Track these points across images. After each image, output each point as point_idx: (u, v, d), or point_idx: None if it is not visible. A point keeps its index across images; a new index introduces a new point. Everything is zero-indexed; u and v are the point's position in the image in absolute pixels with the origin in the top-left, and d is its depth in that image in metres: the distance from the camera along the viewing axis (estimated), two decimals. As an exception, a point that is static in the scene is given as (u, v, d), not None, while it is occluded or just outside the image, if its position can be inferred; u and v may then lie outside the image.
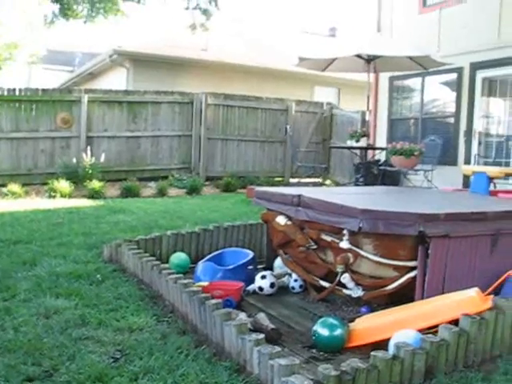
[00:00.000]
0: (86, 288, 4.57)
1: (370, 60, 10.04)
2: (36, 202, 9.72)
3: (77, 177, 11.43)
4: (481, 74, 10.78)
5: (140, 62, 16.87)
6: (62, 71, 27.80)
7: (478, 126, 10.93)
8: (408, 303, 3.80)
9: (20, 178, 11.43)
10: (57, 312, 3.94)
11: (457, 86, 11.25)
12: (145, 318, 3.89)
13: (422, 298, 3.78)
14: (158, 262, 4.70)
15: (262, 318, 3.72)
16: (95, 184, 10.84)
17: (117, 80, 17.60)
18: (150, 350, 3.32)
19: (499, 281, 4.02)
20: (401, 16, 12.58)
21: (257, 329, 3.49)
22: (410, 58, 9.90)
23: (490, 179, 6.85)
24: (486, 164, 10.24)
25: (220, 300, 3.70)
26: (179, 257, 5.31)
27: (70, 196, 10.55)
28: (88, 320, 3.83)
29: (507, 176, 8.35)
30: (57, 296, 4.30)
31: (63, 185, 10.65)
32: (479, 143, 10.89)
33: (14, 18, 20.16)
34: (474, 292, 3.55)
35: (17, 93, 11.99)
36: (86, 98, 12.48)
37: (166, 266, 4.74)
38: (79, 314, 3.91)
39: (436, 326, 3.26)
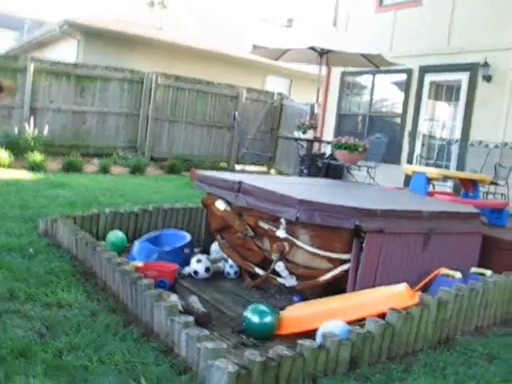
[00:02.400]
0: (17, 261, 4.46)
1: (323, 53, 10.09)
2: (-28, 171, 9.41)
3: (18, 148, 11.08)
4: (429, 78, 11.00)
5: (92, 35, 16.48)
6: (8, 36, 26.87)
7: (423, 127, 11.18)
8: (340, 295, 3.87)
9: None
10: (-16, 286, 3.84)
11: (405, 87, 11.46)
12: (75, 294, 3.83)
13: (354, 291, 3.86)
14: (92, 239, 4.63)
15: (193, 301, 3.73)
16: (36, 156, 10.56)
17: (67, 51, 17.13)
18: (77, 327, 3.27)
19: (428, 278, 4.14)
20: (357, 13, 12.68)
21: (188, 311, 3.48)
22: (363, 55, 10.01)
23: (429, 180, 7.01)
24: (427, 165, 10.46)
25: (153, 281, 3.67)
26: (116, 235, 5.25)
27: (9, 167, 10.24)
28: (16, 294, 3.74)
29: (445, 178, 8.59)
30: (-15, 270, 4.19)
31: (2, 155, 10.33)
32: (422, 144, 11.13)
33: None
34: (402, 287, 3.64)
35: (-43, 55, 11.55)
36: (32, 66, 12.09)
37: (101, 243, 4.67)
38: (7, 288, 3.81)
39: (365, 319, 3.33)
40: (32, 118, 11.82)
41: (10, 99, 11.90)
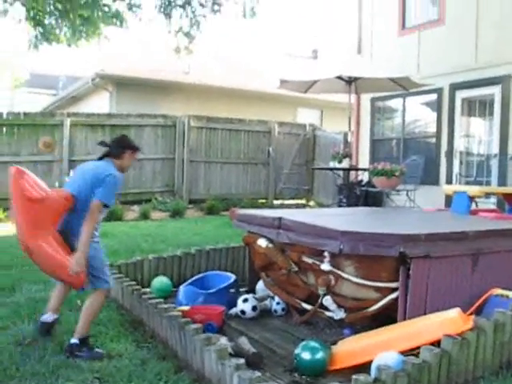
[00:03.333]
0: (66, 314, 4.50)
1: (350, 81, 10.12)
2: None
3: (59, 201, 11.30)
4: (460, 95, 10.90)
5: (123, 85, 16.87)
6: (45, 95, 27.78)
7: (459, 145, 11.03)
8: (391, 324, 3.78)
9: (1, 203, 11.29)
10: (35, 339, 3.87)
11: (437, 106, 11.37)
12: (124, 343, 3.84)
13: (405, 319, 3.77)
14: (138, 287, 4.65)
15: (243, 342, 3.69)
16: (77, 208, 10.73)
17: (100, 103, 17.57)
18: (128, 377, 3.27)
19: (480, 300, 4.02)
20: (381, 38, 12.73)
21: (238, 353, 3.45)
22: (391, 79, 10.00)
23: (471, 198, 6.88)
24: (467, 183, 10.30)
25: (200, 325, 3.66)
26: (161, 281, 5.26)
27: (52, 221, 10.43)
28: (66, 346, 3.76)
29: (488, 195, 8.42)
30: (35, 323, 4.23)
31: (45, 210, 10.53)
32: (460, 162, 10.97)
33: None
34: (455, 312, 3.54)
35: (-2, 116, 11.94)
36: (68, 121, 12.44)
37: (147, 290, 4.69)
38: (58, 341, 3.85)
39: (419, 348, 3.25)
40: (71, 170, 12.07)
41: (49, 154, 12.22)
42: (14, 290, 5.23)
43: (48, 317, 4.01)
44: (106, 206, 3.80)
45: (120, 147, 4.05)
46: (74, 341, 3.72)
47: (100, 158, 4.04)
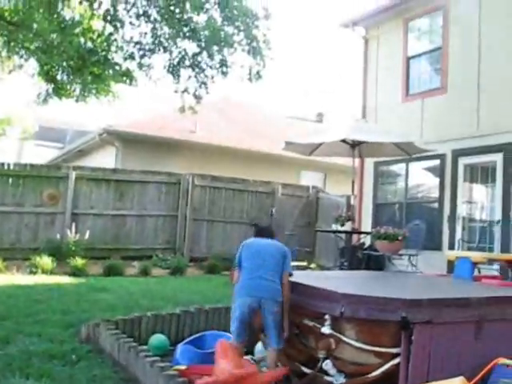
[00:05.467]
0: (59, 369, 4.41)
1: (354, 145, 10.21)
2: (16, 278, 9.53)
3: (60, 253, 11.28)
4: (463, 161, 10.99)
5: (129, 141, 17.08)
6: (53, 148, 28.13)
7: (462, 211, 11.04)
8: (392, 391, 3.69)
9: (1, 253, 11.26)
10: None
11: (440, 171, 11.44)
12: (119, 402, 3.74)
13: (406, 386, 3.68)
14: (135, 344, 4.57)
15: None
16: (78, 261, 10.69)
17: (106, 158, 17.75)
18: None
19: (485, 369, 3.92)
20: (385, 104, 12.94)
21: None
22: (395, 144, 10.09)
23: (474, 264, 6.84)
24: (469, 249, 10.24)
25: (197, 385, 3.58)
26: (158, 338, 5.19)
27: (52, 272, 10.36)
28: (59, 404, 3.67)
29: (491, 261, 8.37)
30: (27, 377, 4.13)
31: (45, 261, 10.48)
32: (463, 228, 10.95)
33: (8, 95, 20.61)
34: (459, 381, 3.45)
35: (5, 167, 12.05)
36: (73, 174, 12.54)
37: (144, 347, 4.61)
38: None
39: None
40: (73, 223, 12.09)
41: (53, 206, 12.26)
42: (8, 341, 5.13)
43: None
44: (290, 274, 4.38)
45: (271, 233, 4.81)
46: None
47: (259, 235, 4.80)
